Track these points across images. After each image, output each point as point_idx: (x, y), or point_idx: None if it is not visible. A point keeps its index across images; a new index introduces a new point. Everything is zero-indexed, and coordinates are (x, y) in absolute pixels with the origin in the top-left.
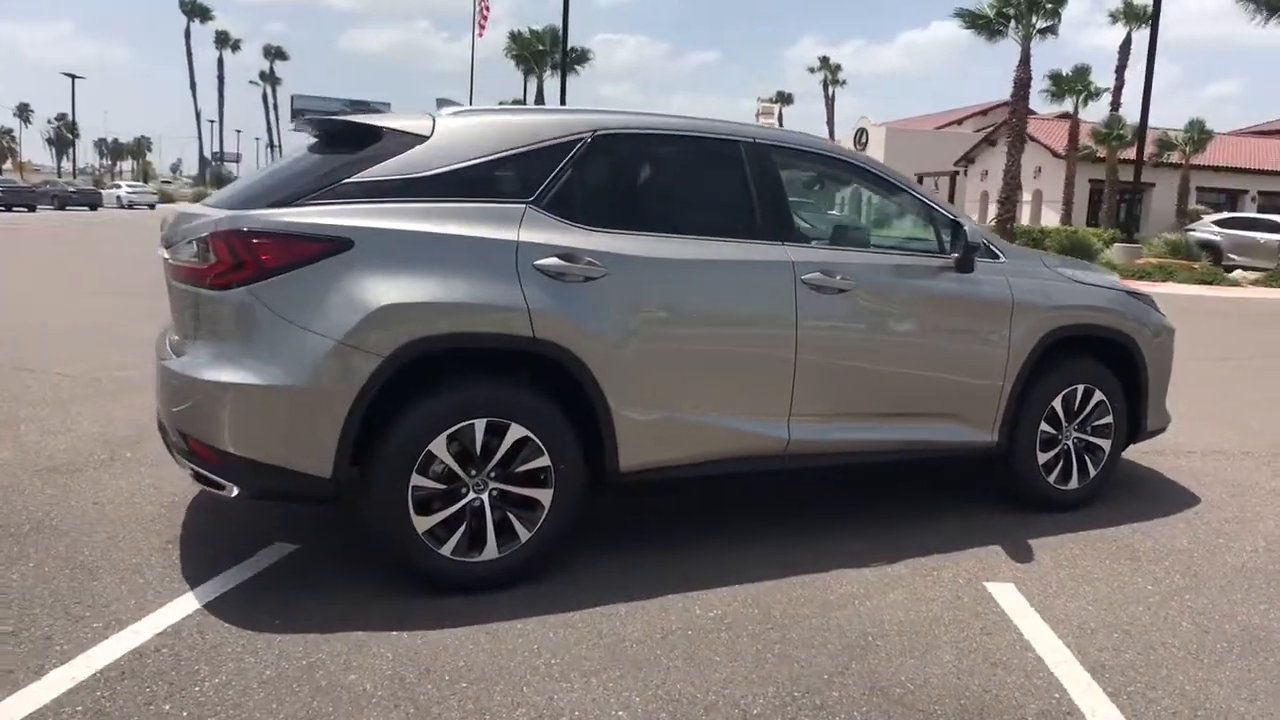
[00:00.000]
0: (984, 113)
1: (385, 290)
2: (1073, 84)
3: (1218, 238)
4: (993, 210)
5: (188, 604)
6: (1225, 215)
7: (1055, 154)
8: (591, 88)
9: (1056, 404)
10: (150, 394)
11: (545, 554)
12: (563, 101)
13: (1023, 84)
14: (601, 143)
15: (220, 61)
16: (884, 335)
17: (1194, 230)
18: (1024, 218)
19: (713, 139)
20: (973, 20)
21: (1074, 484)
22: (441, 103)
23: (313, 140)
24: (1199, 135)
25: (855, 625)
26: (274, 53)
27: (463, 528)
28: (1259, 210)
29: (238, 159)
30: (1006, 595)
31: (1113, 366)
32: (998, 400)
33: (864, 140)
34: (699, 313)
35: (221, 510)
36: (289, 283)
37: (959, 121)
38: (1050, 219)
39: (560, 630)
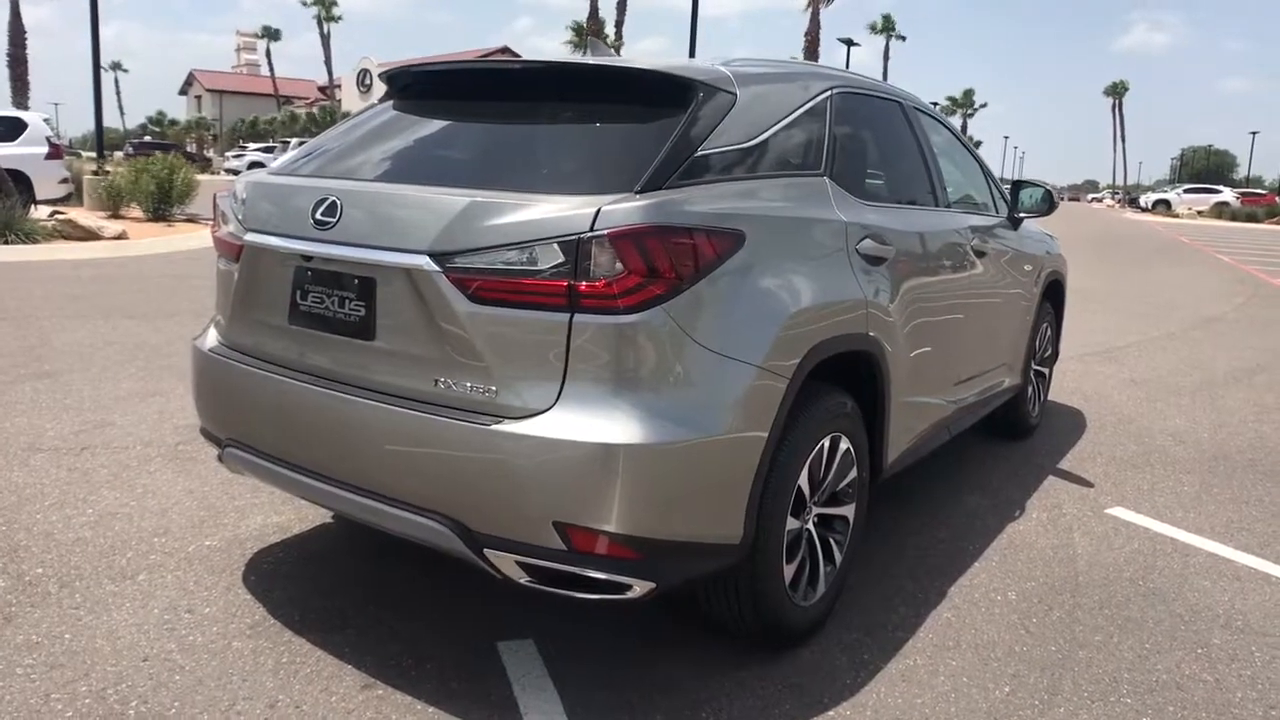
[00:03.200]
0: (487, 57)
1: (780, 294)
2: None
3: None
4: None
5: None
6: None
7: None
8: None
9: (1037, 342)
10: None
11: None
12: (95, 35)
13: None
14: (839, 103)
15: None
16: (997, 293)
17: None
18: None
19: (885, 99)
20: None
21: (1037, 410)
22: (595, 44)
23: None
24: None
25: (1107, 574)
26: None
27: (808, 567)
28: None
29: None
30: (1135, 517)
31: (1053, 304)
32: (1028, 343)
33: (368, 82)
34: (939, 288)
35: (312, 623)
36: (698, 295)
37: None
38: None
39: (970, 661)
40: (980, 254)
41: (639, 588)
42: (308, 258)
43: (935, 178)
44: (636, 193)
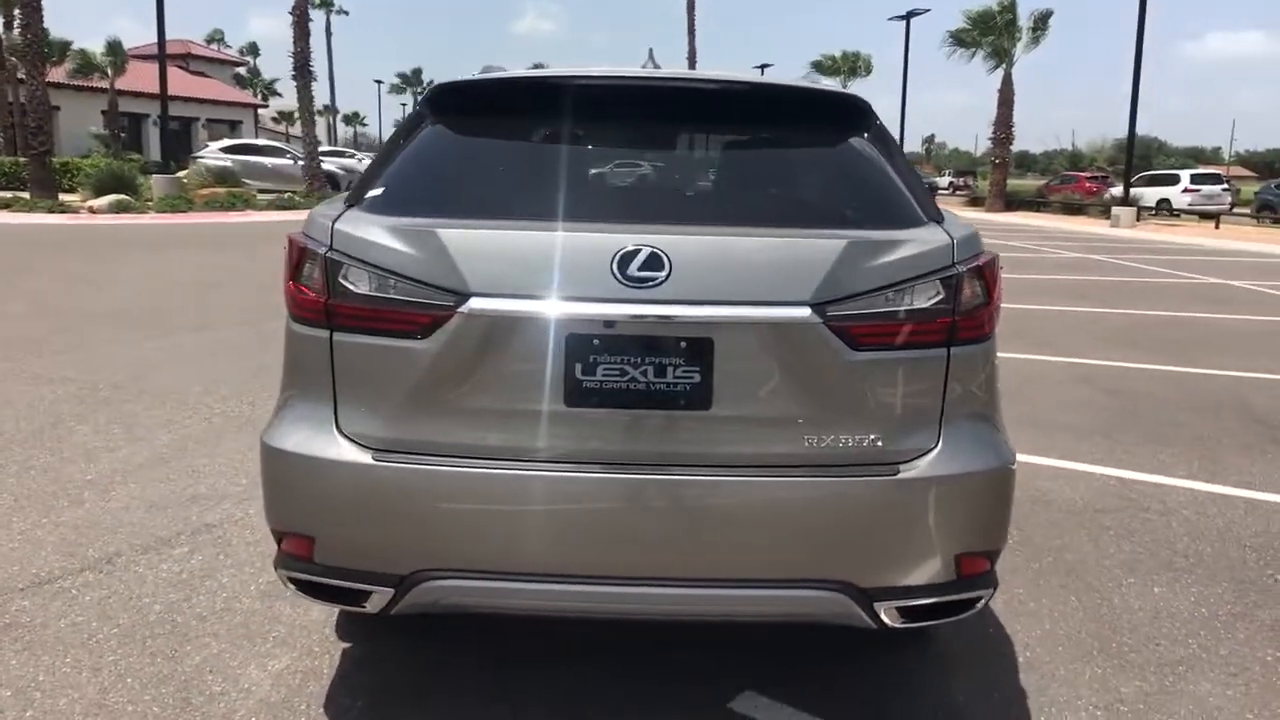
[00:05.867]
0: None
1: None
2: None
3: (228, 163)
4: None
5: None
6: (231, 142)
7: None
8: None
9: None
10: None
11: None
12: None
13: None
14: None
15: None
16: None
17: (204, 158)
18: None
19: None
20: None
21: None
22: (653, 57)
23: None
24: (120, 59)
25: None
26: None
27: None
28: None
29: None
30: None
31: None
32: None
33: None
34: None
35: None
36: None
37: None
38: None
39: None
40: None
41: (985, 595)
42: (609, 323)
43: None
44: (938, 223)
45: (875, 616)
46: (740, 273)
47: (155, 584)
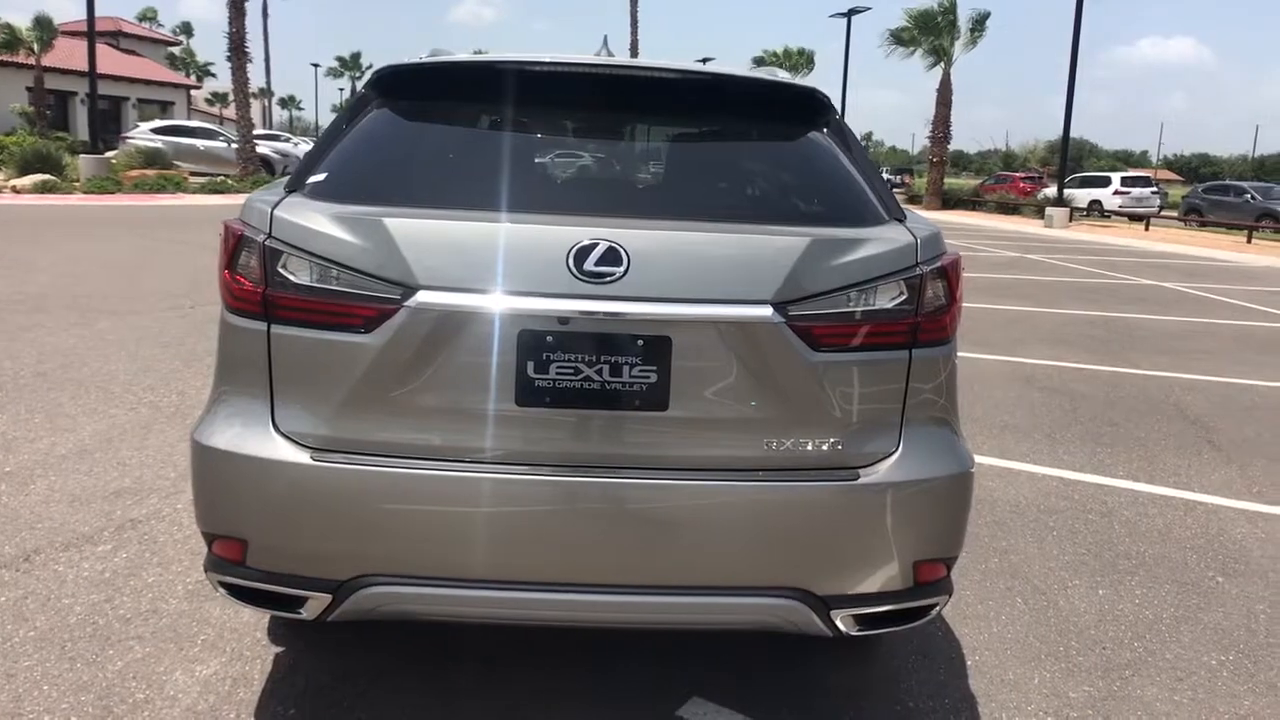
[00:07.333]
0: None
1: None
2: None
3: (159, 145)
4: None
5: None
6: (162, 123)
7: None
8: None
9: None
10: None
11: None
12: None
13: None
14: None
15: None
16: None
17: (134, 139)
18: None
19: None
20: None
21: None
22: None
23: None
24: (47, 34)
25: None
26: None
27: None
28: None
29: None
30: None
31: None
32: None
33: None
34: None
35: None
36: None
37: None
38: None
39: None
40: None
41: (940, 603)
42: (564, 320)
43: None
44: (900, 221)
45: (831, 624)
46: (700, 269)
47: (76, 584)
